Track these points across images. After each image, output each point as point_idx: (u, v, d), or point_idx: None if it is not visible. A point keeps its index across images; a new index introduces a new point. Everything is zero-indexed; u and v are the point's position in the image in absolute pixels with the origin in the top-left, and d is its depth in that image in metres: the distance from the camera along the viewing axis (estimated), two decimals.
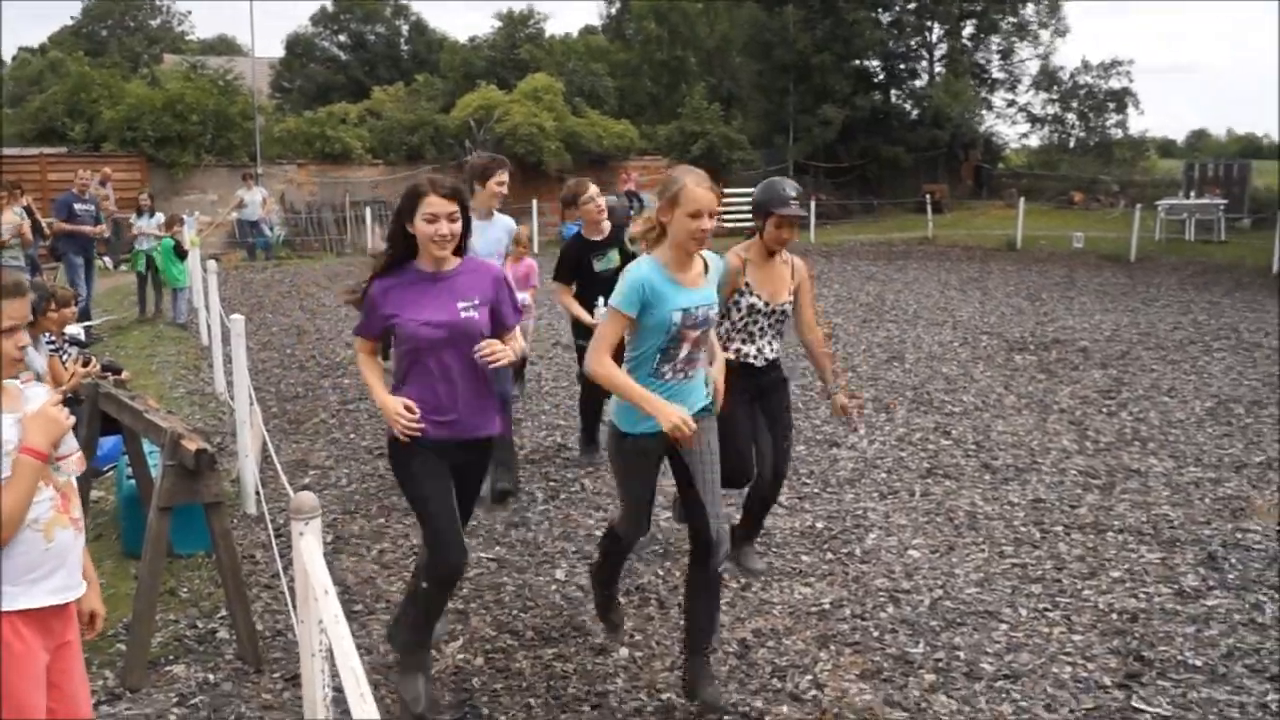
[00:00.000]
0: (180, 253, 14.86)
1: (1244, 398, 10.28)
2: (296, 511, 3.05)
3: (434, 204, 4.09)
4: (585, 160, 29.25)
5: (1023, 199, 28.66)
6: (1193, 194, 30.02)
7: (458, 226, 4.14)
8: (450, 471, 4.29)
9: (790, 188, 5.44)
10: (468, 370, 4.22)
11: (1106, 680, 4.74)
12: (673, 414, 3.98)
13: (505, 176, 6.92)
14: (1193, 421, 9.38)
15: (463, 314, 4.17)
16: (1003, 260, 23.83)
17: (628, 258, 7.03)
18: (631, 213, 29.06)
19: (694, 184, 4.13)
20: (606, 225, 7.53)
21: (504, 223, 7.06)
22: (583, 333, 7.34)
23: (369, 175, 27.54)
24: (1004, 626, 5.28)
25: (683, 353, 4.23)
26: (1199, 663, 4.91)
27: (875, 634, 5.19)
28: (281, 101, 40.56)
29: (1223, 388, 10.73)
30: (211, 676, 4.77)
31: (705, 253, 4.34)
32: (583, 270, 7.49)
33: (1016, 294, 18.00)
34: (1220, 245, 26.06)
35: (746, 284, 5.51)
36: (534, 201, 26.32)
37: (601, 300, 6.74)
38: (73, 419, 3.01)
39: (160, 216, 15.90)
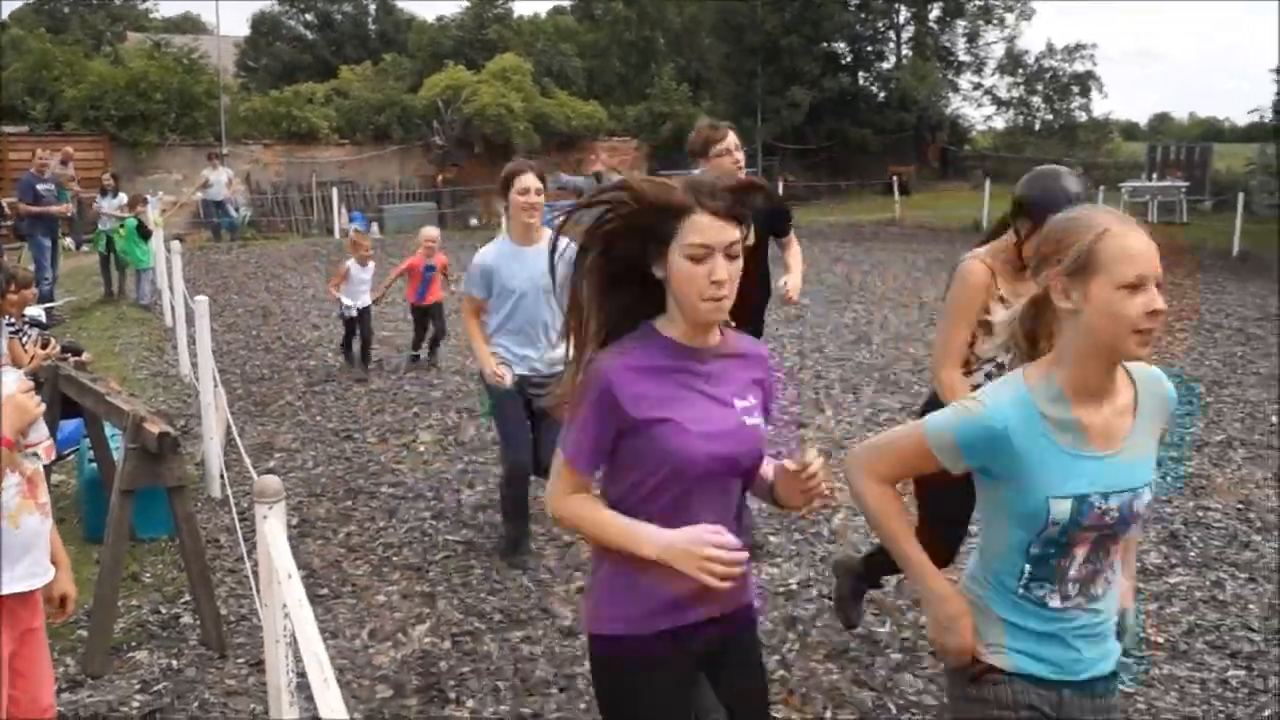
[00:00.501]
0: (144, 233, 14.70)
1: (1205, 377, 10.38)
2: (260, 495, 3.02)
3: (704, 229, 2.32)
4: (554, 141, 29.14)
5: (988, 181, 28.78)
6: (1155, 176, 30.24)
7: (738, 267, 2.38)
8: (700, 681, 2.57)
9: (1074, 184, 3.64)
10: (728, 510, 2.50)
11: None
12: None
13: (531, 181, 5.27)
14: None
15: (747, 422, 2.48)
16: (969, 241, 23.51)
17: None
18: None
19: (1122, 230, 2.22)
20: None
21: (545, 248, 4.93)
22: None
23: (335, 155, 27.34)
24: None
25: (1075, 563, 2.35)
26: (1160, 640, 4.97)
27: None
28: (247, 81, 40.16)
29: (1184, 368, 10.83)
30: (175, 662, 4.74)
31: (1135, 366, 2.40)
32: None
33: None
34: (1182, 227, 26.27)
35: (1001, 297, 3.68)
36: None
37: None
38: (43, 406, 2.97)
39: (123, 197, 15.72)
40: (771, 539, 6.18)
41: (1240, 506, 6.79)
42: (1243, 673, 4.66)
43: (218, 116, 25.87)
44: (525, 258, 5.34)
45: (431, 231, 11.19)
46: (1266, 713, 4.34)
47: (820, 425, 8.64)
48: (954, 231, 25.95)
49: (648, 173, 30.34)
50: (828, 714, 4.30)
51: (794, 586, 5.52)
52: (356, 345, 10.89)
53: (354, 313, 10.62)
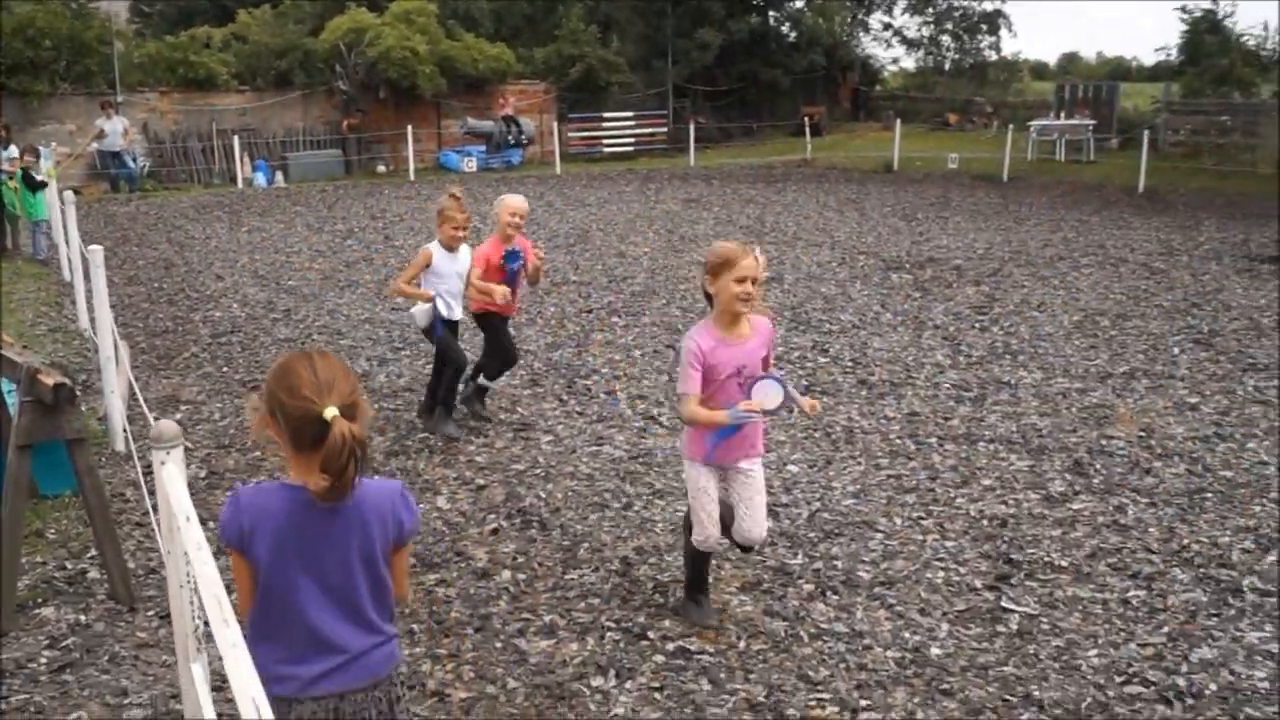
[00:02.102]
0: (31, 184, 14.16)
1: (1110, 311, 10.61)
2: (157, 440, 2.94)
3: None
4: (461, 85, 28.66)
5: (899, 121, 28.99)
6: (1063, 115, 30.68)
7: None
8: None
9: None
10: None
11: (978, 583, 4.90)
12: None
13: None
14: (1061, 334, 9.66)
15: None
16: (880, 181, 24.13)
17: None
18: (510, 139, 28.25)
19: None
20: None
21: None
22: None
23: (236, 102, 26.61)
24: (879, 536, 5.40)
25: None
26: (1065, 563, 5.10)
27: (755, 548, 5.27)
28: (141, 26, 38.83)
29: (1090, 302, 11.06)
30: (83, 618, 4.64)
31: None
32: None
33: (893, 214, 18.25)
34: (1089, 165, 26.73)
35: None
36: (409, 128, 25.78)
37: None
38: None
39: (14, 149, 15.18)
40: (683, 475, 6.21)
41: (1142, 434, 6.97)
42: (1143, 592, 4.82)
43: (111, 64, 24.99)
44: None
45: (515, 202, 6.93)
46: (1165, 629, 4.48)
47: None
48: (866, 172, 26.13)
49: (557, 116, 30.13)
50: (741, 644, 4.36)
51: None
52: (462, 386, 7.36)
53: (441, 323, 6.84)
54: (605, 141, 30.69)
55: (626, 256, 13.82)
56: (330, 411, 2.34)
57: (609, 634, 4.46)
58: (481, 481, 6.18)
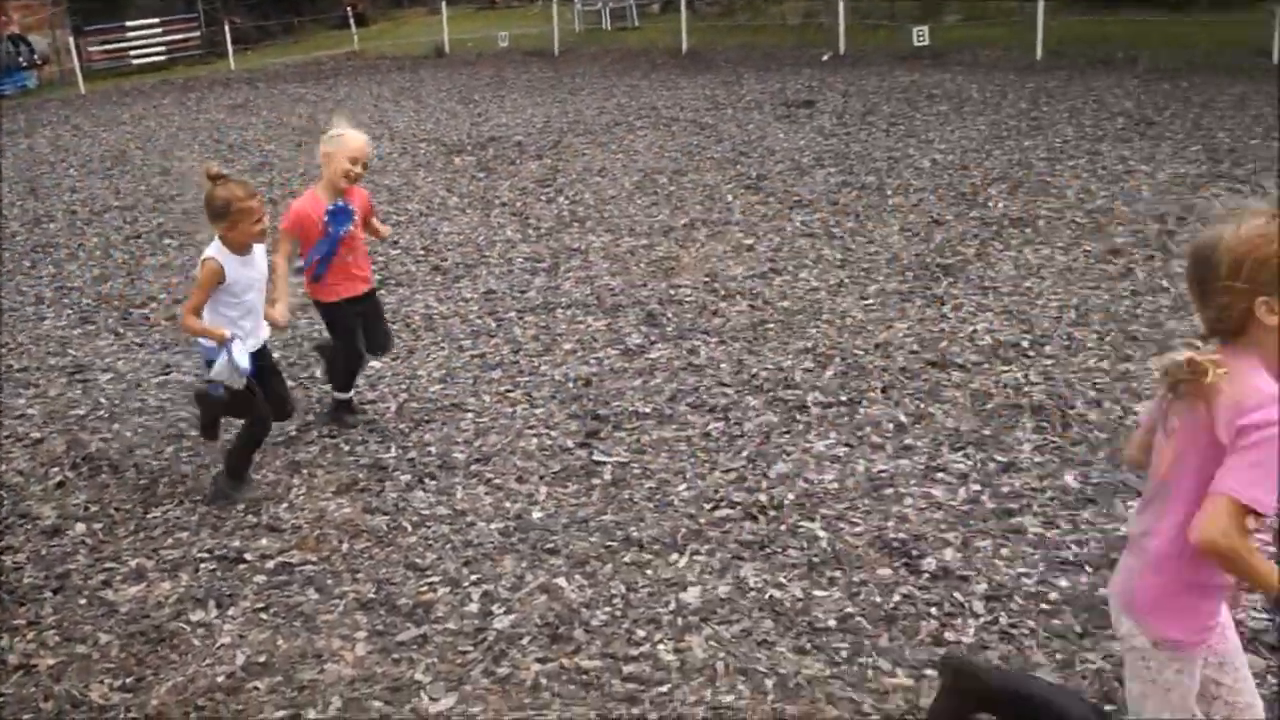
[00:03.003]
0: None
1: (667, 168, 11.04)
2: None
3: None
4: None
5: (445, 3, 28.57)
6: None
7: None
8: None
9: None
10: None
11: (570, 443, 5.03)
12: None
13: None
14: (624, 196, 9.97)
15: None
16: (433, 67, 23.78)
17: None
18: (22, 60, 25.38)
19: None
20: None
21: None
22: None
23: None
24: (470, 415, 5.42)
25: None
26: (648, 410, 5.33)
27: (346, 449, 5.15)
28: None
29: (648, 162, 11.46)
30: None
31: None
32: None
33: (450, 99, 18.07)
34: (635, 31, 27.54)
35: None
36: None
37: None
38: None
39: None
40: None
41: (707, 279, 7.35)
42: (721, 424, 5.12)
43: None
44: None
45: (355, 142, 5.13)
46: (745, 453, 4.80)
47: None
48: (417, 59, 25.67)
49: (72, 30, 27.41)
50: (344, 546, 4.27)
51: (293, 433, 5.36)
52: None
53: (245, 371, 4.48)
54: (132, 53, 28.28)
55: (172, 174, 12.88)
56: None
57: (203, 565, 4.23)
58: (37, 435, 5.63)
